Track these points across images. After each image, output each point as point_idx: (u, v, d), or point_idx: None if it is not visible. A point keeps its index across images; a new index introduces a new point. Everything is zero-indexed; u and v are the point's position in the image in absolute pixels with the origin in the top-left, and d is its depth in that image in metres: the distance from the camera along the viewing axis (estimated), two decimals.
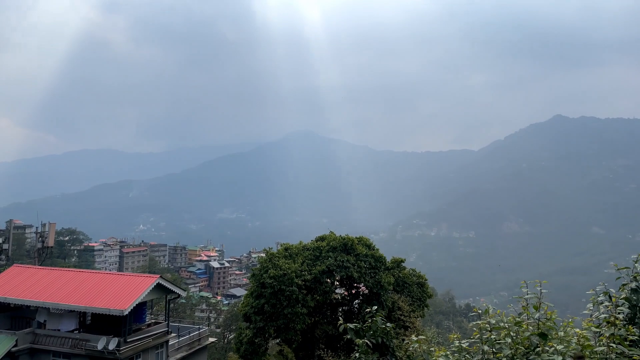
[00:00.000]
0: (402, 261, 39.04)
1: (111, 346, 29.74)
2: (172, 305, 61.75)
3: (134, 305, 30.63)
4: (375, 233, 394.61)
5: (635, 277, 6.51)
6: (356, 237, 37.19)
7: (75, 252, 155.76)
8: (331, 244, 35.49)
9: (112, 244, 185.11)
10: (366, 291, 34.90)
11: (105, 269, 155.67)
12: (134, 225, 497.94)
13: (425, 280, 39.40)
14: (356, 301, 36.34)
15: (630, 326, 5.94)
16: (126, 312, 29.88)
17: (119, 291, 31.82)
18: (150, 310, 42.42)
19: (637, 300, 6.31)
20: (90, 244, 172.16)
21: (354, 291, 36.59)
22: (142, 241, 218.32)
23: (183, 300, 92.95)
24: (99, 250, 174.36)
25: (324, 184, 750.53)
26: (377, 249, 37.14)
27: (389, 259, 37.68)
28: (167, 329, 35.27)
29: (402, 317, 33.98)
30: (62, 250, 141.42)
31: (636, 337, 5.86)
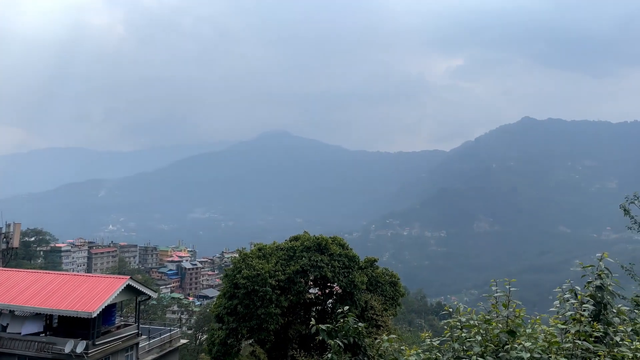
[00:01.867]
0: (375, 260, 39.30)
1: (79, 349, 29.06)
2: (142, 306, 60.63)
3: (103, 307, 30.00)
4: (349, 233, 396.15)
5: (599, 274, 6.69)
6: (330, 237, 37.25)
7: (42, 253, 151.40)
8: (305, 243, 35.48)
9: (80, 245, 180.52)
10: (340, 291, 35.02)
11: (73, 271, 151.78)
12: (103, 226, 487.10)
13: (398, 279, 39.75)
14: (330, 301, 36.44)
15: (595, 323, 6.10)
16: (94, 315, 29.24)
17: (87, 293, 31.09)
18: (120, 312, 41.66)
19: (601, 297, 6.49)
20: (57, 245, 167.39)
21: (327, 291, 36.68)
22: (112, 242, 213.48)
23: (154, 302, 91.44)
24: (67, 251, 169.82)
25: (298, 184, 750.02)
26: (351, 249, 37.28)
27: (362, 258, 37.87)
28: (137, 331, 34.69)
29: (375, 316, 34.24)
30: (28, 252, 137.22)
31: (601, 334, 6.02)
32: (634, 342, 5.75)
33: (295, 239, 37.44)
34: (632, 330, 6.22)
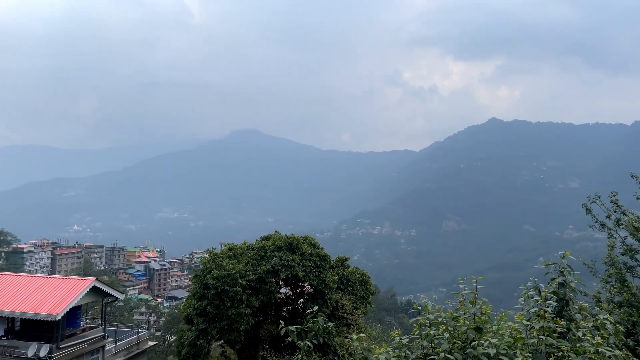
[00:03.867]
0: (346, 259, 39.50)
1: (42, 353, 28.23)
2: (109, 308, 59.38)
3: (67, 309, 29.21)
4: (321, 232, 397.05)
5: (562, 272, 6.88)
6: (302, 237, 37.26)
7: (3, 254, 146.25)
8: (276, 243, 35.37)
9: (44, 246, 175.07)
10: (311, 290, 35.06)
11: (36, 272, 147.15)
12: (67, 226, 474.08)
13: (369, 278, 40.07)
14: (301, 300, 36.43)
15: (558, 319, 6.27)
16: (58, 317, 28.43)
17: (51, 295, 30.21)
18: (86, 315, 40.70)
19: (564, 294, 6.67)
20: (19, 246, 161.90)
21: (298, 290, 36.67)
22: (77, 242, 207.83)
23: (121, 304, 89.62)
24: (29, 252, 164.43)
25: (270, 183, 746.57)
26: (322, 248, 37.37)
27: (333, 257, 38.02)
28: (103, 333, 33.94)
29: (346, 315, 34.43)
30: None
31: (564, 329, 6.19)
32: (595, 338, 5.93)
33: (267, 238, 37.30)
34: (593, 325, 6.41)
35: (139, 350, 38.25)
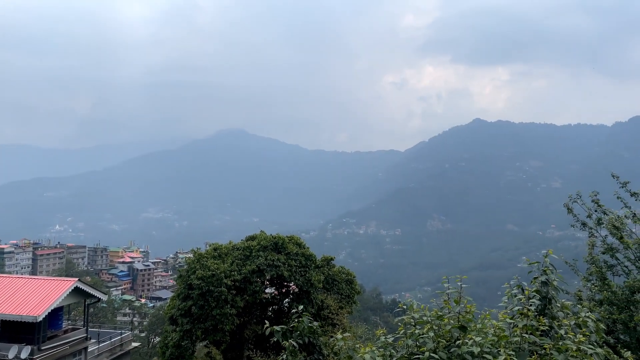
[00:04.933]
0: (332, 259, 39.53)
1: (24, 355, 27.80)
2: (91, 309, 58.66)
3: (49, 310, 28.80)
4: (306, 232, 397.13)
5: (545, 270, 6.96)
6: (287, 236, 37.19)
7: None
8: (262, 243, 35.26)
9: (24, 246, 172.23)
10: (296, 290, 35.02)
11: (17, 273, 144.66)
12: (49, 226, 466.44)
13: (354, 277, 40.12)
14: (286, 300, 36.37)
15: (541, 317, 6.35)
16: (40, 319, 28.03)
17: (32, 296, 29.75)
18: (68, 316, 40.16)
19: (546, 292, 6.76)
20: None
21: (284, 290, 36.60)
22: (59, 243, 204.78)
23: (104, 305, 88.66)
24: (10, 252, 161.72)
25: (255, 183, 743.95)
26: (308, 248, 37.35)
27: (319, 257, 38.02)
28: (85, 334, 33.54)
29: (331, 314, 34.46)
30: None
31: (546, 327, 6.27)
32: (577, 335, 6.02)
33: (252, 238, 37.16)
34: (575, 323, 6.50)
35: (122, 352, 37.88)
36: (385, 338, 6.77)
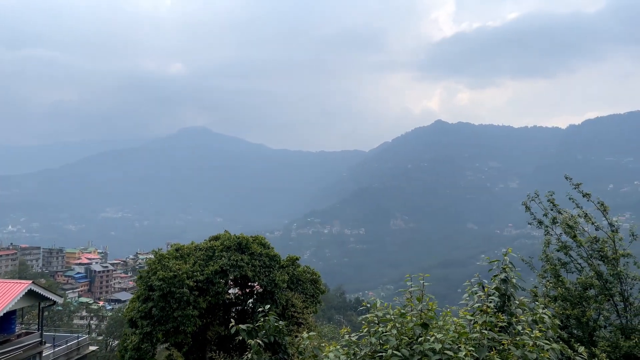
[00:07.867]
0: (297, 259, 39.45)
1: None
2: (46, 313, 56.50)
3: (1, 314, 27.62)
4: (271, 232, 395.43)
5: (504, 268, 7.18)
6: (251, 236, 36.91)
7: None
8: (225, 243, 34.88)
9: None
10: (260, 290, 34.82)
11: None
12: (1, 227, 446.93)
13: (319, 276, 40.18)
14: (250, 300, 36.09)
15: (500, 314, 6.54)
16: None
17: None
18: (21, 320, 38.65)
19: (505, 289, 6.97)
20: None
21: (248, 290, 36.34)
22: (11, 244, 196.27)
23: (59, 308, 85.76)
24: None
25: (219, 182, 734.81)
26: (272, 248, 37.19)
27: (284, 257, 37.88)
28: (40, 339, 32.37)
29: (296, 314, 34.41)
30: None
31: (505, 324, 6.47)
32: (533, 331, 6.23)
33: (215, 238, 36.72)
34: (532, 319, 6.73)
35: (79, 356, 36.81)
36: (349, 337, 6.82)
